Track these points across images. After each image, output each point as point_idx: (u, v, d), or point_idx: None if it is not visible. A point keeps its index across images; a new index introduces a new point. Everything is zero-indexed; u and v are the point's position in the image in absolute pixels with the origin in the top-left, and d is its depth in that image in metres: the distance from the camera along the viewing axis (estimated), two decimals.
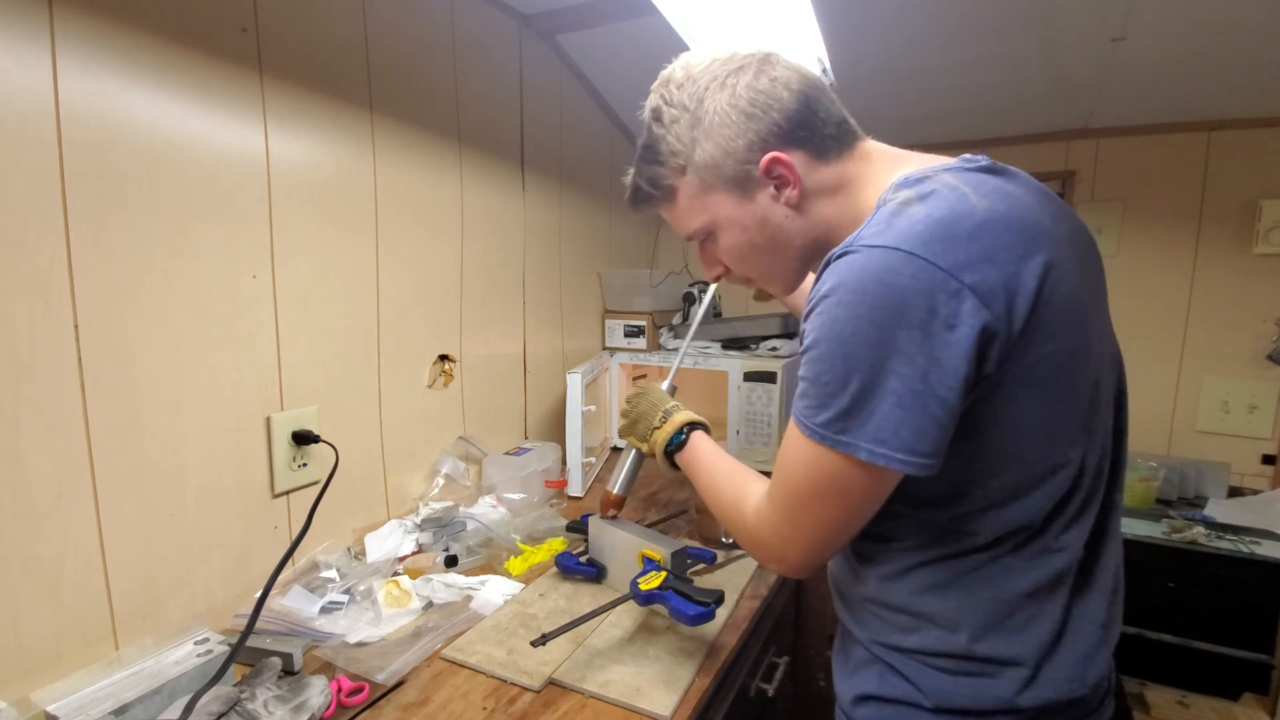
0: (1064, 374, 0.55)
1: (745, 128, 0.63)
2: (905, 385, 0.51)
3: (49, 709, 0.68)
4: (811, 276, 0.73)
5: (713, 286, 1.06)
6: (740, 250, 0.70)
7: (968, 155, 0.61)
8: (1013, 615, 0.58)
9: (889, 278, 0.51)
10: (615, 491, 1.03)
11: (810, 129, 0.64)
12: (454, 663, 0.85)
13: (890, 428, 0.52)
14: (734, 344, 1.78)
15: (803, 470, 0.58)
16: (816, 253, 0.68)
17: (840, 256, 0.55)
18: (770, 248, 0.69)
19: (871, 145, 0.67)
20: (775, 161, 0.63)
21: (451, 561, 1.10)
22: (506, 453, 1.41)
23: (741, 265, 0.72)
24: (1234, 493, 1.70)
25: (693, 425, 0.88)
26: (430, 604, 0.98)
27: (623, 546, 1.01)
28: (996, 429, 0.55)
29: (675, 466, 0.88)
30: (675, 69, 0.68)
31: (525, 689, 0.80)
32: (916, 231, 0.51)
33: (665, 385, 0.99)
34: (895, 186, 0.59)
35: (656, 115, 0.68)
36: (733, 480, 0.75)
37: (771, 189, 0.65)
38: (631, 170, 0.74)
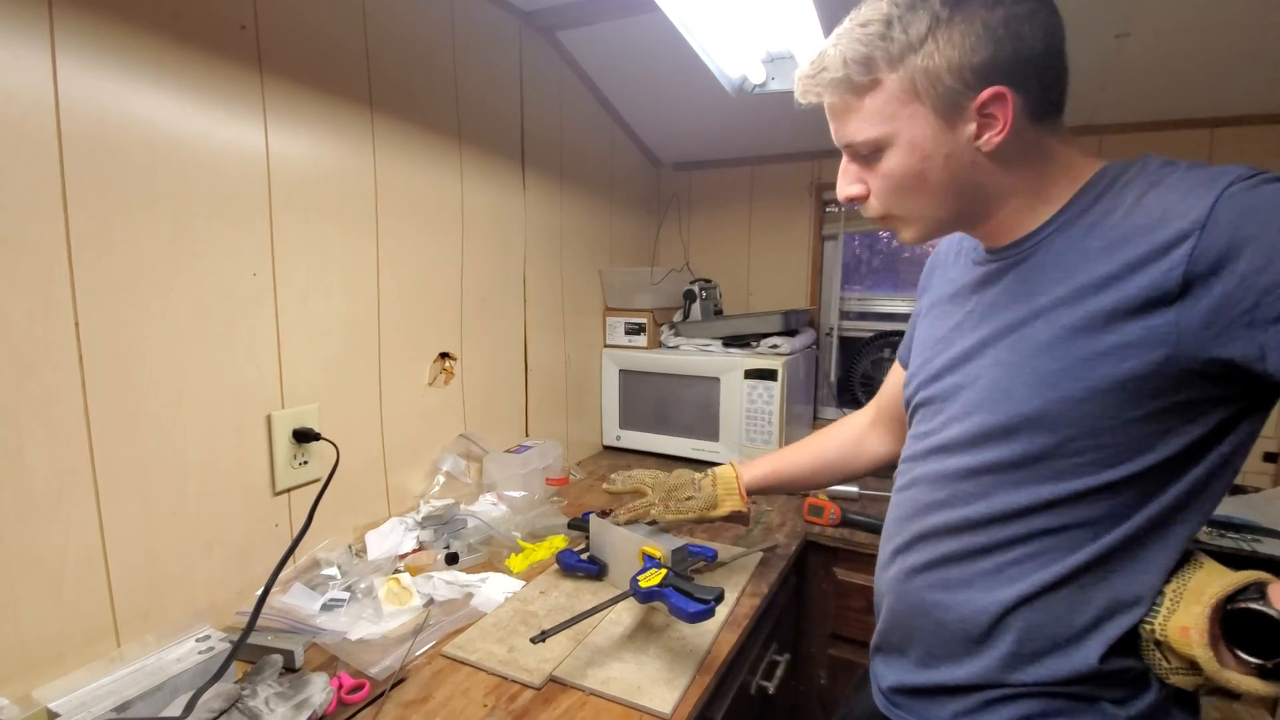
0: None
1: (984, 46, 0.57)
2: None
3: (50, 706, 0.68)
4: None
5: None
6: (906, 179, 0.62)
7: None
8: None
9: None
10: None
11: (1042, 82, 0.59)
12: (455, 660, 0.85)
13: None
14: (735, 341, 1.78)
15: None
16: (974, 212, 0.65)
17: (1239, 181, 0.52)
18: (939, 188, 0.62)
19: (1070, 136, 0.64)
20: (999, 97, 0.57)
21: (452, 559, 1.10)
22: (507, 450, 1.41)
23: (893, 195, 0.64)
24: (1235, 490, 1.70)
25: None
26: (431, 601, 0.98)
27: (623, 544, 1.01)
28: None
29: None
30: None
31: (526, 686, 0.80)
32: None
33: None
34: (1152, 159, 0.60)
35: None
36: None
37: (974, 126, 0.59)
38: (830, 43, 0.63)
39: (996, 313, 0.65)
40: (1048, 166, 0.62)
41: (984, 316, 0.67)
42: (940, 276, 0.80)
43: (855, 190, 0.66)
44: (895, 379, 0.94)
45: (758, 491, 1.05)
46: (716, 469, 1.06)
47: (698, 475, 1.06)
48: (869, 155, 0.64)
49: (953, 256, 0.79)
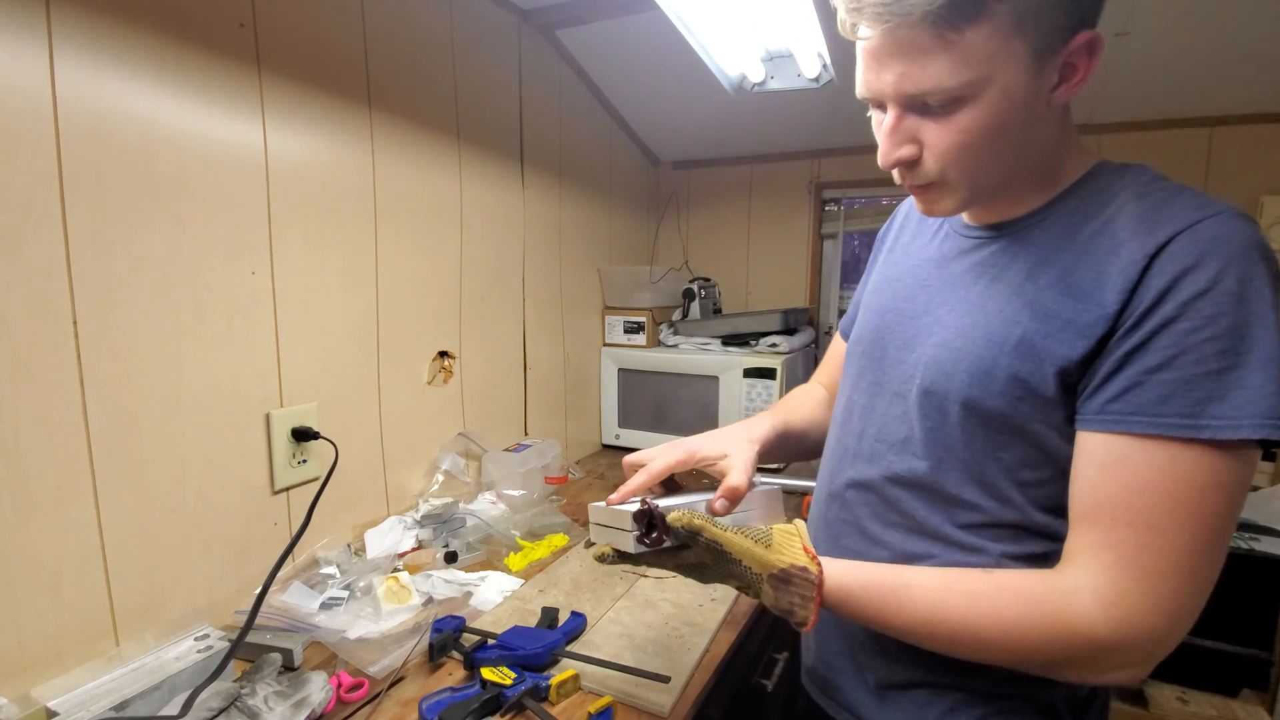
0: None
1: None
2: None
3: (49, 705, 0.68)
4: None
5: None
6: (986, 135, 0.51)
7: None
8: None
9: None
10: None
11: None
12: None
13: None
14: (734, 340, 1.78)
15: (1220, 496, 0.47)
16: (1010, 180, 0.57)
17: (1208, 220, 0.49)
18: (1010, 146, 0.53)
19: None
20: (1091, 44, 0.50)
21: (451, 557, 1.10)
22: (506, 449, 1.41)
23: (960, 155, 0.53)
24: None
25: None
26: (430, 599, 0.98)
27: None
28: None
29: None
30: None
31: None
32: None
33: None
34: (1127, 166, 0.57)
35: None
36: (977, 587, 0.54)
37: (1055, 77, 0.51)
38: None
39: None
40: (1066, 140, 0.57)
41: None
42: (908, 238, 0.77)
43: (907, 152, 0.54)
44: (840, 353, 0.89)
45: (766, 455, 0.79)
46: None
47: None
48: (944, 107, 0.51)
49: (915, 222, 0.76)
